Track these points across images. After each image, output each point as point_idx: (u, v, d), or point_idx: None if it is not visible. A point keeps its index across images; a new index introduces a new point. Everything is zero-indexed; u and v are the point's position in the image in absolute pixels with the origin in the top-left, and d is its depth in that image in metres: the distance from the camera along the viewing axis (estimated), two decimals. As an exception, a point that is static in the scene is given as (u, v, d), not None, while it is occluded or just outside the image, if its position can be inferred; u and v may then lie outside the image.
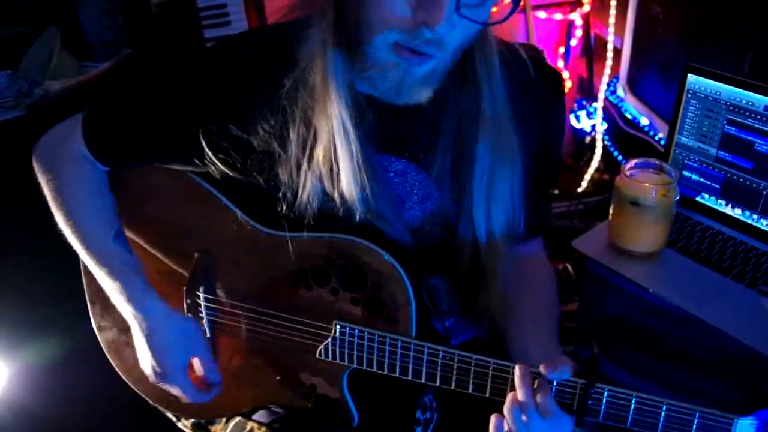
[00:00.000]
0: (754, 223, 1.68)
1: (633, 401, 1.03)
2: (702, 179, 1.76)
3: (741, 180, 1.68)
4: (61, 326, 2.07)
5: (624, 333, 1.73)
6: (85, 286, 1.44)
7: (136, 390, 1.45)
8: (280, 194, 1.17)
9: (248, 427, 1.35)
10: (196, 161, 1.20)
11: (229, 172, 1.20)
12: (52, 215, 1.30)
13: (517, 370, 1.08)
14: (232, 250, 1.29)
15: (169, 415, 1.47)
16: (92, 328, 1.44)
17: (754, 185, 1.66)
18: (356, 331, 1.19)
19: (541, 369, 1.07)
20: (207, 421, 1.43)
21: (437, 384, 1.16)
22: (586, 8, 3.13)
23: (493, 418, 1.11)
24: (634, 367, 1.71)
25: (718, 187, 1.73)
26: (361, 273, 1.18)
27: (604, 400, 1.05)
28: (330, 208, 1.17)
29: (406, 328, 1.18)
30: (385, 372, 1.19)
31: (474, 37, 1.07)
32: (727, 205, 1.73)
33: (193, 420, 1.44)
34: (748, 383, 1.48)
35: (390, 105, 1.14)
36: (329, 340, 1.21)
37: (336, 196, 1.14)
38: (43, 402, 2.06)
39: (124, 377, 1.46)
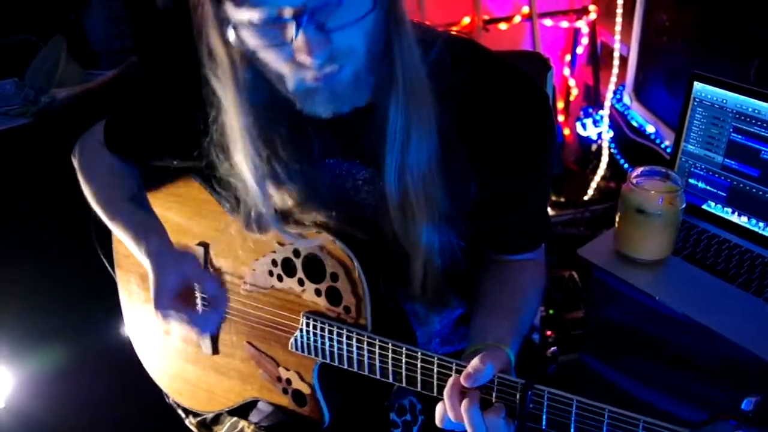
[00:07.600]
0: (760, 231, 1.68)
1: (574, 404, 0.99)
2: (708, 187, 1.75)
3: (747, 188, 1.68)
4: (66, 334, 2.07)
5: (630, 340, 1.73)
6: (117, 280, 1.51)
7: (157, 383, 1.51)
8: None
9: (240, 426, 1.38)
10: (198, 151, 1.23)
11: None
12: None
13: (447, 387, 1.06)
14: (223, 243, 1.33)
15: (180, 412, 1.50)
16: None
17: (761, 193, 1.65)
18: (319, 322, 1.21)
19: (462, 381, 1.04)
20: (211, 420, 1.45)
21: (391, 380, 1.16)
22: (593, 16, 3.14)
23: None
24: (640, 375, 1.71)
25: (725, 195, 1.72)
26: (322, 263, 1.20)
27: (545, 403, 1.01)
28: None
29: (363, 320, 1.18)
30: (345, 366, 1.20)
31: (376, 33, 1.03)
32: (733, 213, 1.72)
33: (198, 419, 1.47)
34: (754, 391, 1.47)
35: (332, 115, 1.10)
36: (297, 332, 1.24)
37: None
38: (49, 410, 2.06)
39: (148, 369, 1.52)
